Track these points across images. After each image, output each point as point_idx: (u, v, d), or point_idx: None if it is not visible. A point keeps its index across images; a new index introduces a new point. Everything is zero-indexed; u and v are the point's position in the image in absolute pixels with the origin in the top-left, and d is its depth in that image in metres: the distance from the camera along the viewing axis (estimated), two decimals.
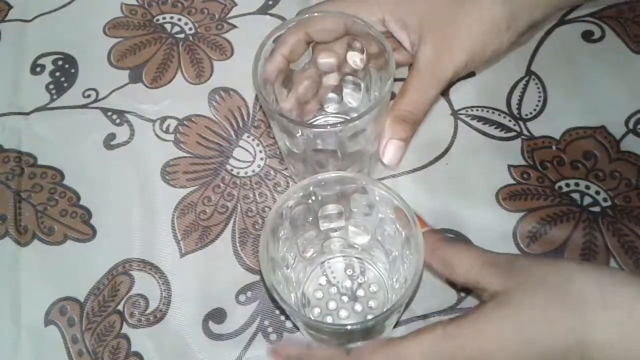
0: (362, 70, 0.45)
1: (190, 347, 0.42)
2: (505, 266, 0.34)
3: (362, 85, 0.46)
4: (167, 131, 0.50)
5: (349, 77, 0.46)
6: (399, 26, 0.42)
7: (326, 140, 0.41)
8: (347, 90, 0.47)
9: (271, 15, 0.55)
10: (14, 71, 0.53)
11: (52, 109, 0.51)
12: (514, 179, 0.46)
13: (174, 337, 0.42)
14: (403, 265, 0.39)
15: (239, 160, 0.48)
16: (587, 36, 0.52)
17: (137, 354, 0.42)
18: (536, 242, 0.44)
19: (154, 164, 0.48)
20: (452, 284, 0.42)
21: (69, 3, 0.57)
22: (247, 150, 0.49)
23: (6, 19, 0.56)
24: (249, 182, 0.47)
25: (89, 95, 0.52)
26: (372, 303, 0.42)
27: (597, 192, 0.45)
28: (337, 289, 0.43)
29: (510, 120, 0.49)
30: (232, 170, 0.48)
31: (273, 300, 0.42)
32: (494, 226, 0.44)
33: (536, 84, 0.50)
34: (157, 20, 0.55)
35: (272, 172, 0.48)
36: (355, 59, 0.45)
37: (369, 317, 0.41)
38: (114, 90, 0.52)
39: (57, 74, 0.53)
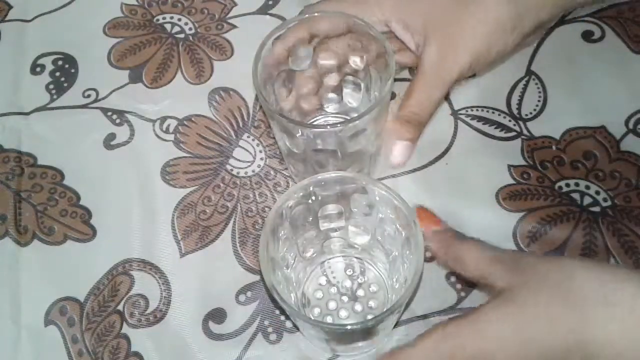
0: (362, 70, 0.45)
1: (190, 347, 0.42)
2: (511, 263, 0.34)
3: (362, 85, 0.46)
4: (167, 131, 0.50)
5: (349, 77, 0.46)
6: (401, 27, 0.42)
7: (326, 140, 0.41)
8: (347, 90, 0.47)
9: (271, 15, 0.55)
10: (14, 71, 0.53)
11: (52, 109, 0.51)
12: (514, 179, 0.46)
13: (174, 337, 0.42)
14: (403, 265, 0.39)
15: (239, 160, 0.48)
16: (587, 36, 0.52)
17: (137, 354, 0.42)
18: (536, 242, 0.44)
19: (154, 164, 0.48)
20: (464, 281, 0.42)
21: (69, 3, 0.57)
22: (247, 150, 0.49)
23: (6, 19, 0.56)
24: (249, 182, 0.47)
25: (89, 95, 0.52)
26: (372, 303, 0.42)
27: (597, 192, 0.45)
28: (337, 289, 0.43)
29: (510, 120, 0.49)
30: (232, 170, 0.48)
31: (273, 300, 0.42)
32: (494, 226, 0.44)
33: (536, 84, 0.50)
34: (157, 20, 0.55)
35: (272, 172, 0.48)
36: (355, 59, 0.45)
37: (369, 317, 0.41)
38: (114, 90, 0.52)
39: (57, 74, 0.53)
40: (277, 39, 0.42)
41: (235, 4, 0.56)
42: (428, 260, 0.43)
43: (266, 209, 0.46)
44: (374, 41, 0.42)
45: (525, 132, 0.48)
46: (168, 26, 0.55)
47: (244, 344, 0.42)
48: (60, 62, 0.54)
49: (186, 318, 0.43)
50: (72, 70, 0.53)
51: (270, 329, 0.42)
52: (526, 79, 0.51)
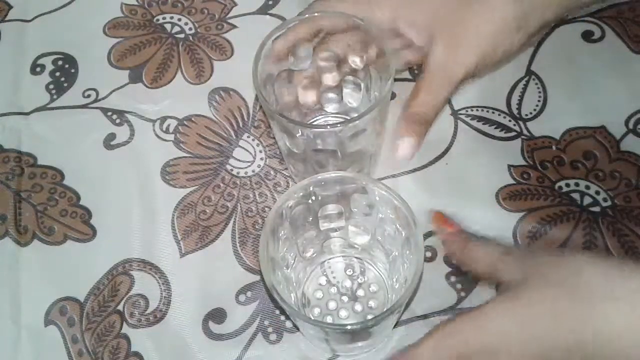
0: (362, 70, 0.45)
1: (190, 347, 0.42)
2: (520, 260, 0.34)
3: (362, 85, 0.46)
4: (167, 131, 0.50)
5: (349, 77, 0.46)
6: (407, 25, 0.42)
7: (326, 140, 0.41)
8: (347, 90, 0.47)
9: (271, 15, 0.55)
10: (14, 71, 0.53)
11: (52, 109, 0.51)
12: (514, 179, 0.46)
13: (174, 337, 0.42)
14: (403, 265, 0.39)
15: (239, 160, 0.48)
16: (587, 36, 0.52)
17: (137, 354, 0.42)
18: (536, 242, 0.44)
19: (154, 164, 0.48)
20: (479, 279, 0.42)
21: (69, 3, 0.57)
22: (247, 150, 0.49)
23: (6, 19, 0.56)
24: (249, 182, 0.47)
25: (89, 95, 0.52)
26: (372, 303, 0.42)
27: (597, 192, 0.45)
28: (337, 289, 0.43)
29: (510, 120, 0.49)
30: (232, 170, 0.48)
31: (273, 300, 0.42)
32: (494, 226, 0.44)
33: (536, 84, 0.50)
34: (157, 20, 0.55)
35: (272, 172, 0.48)
36: (355, 59, 0.45)
37: (369, 317, 0.41)
38: (114, 90, 0.52)
39: (57, 74, 0.53)
40: (279, 37, 0.42)
41: (235, 4, 0.56)
42: (428, 260, 0.43)
43: (266, 209, 0.46)
44: (374, 41, 0.42)
45: (525, 132, 0.48)
46: (168, 26, 0.55)
47: (244, 344, 0.42)
48: (60, 62, 0.54)
49: (186, 318, 0.43)
50: (72, 70, 0.53)
51: (270, 329, 0.42)
52: (526, 79, 0.51)
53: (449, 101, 0.50)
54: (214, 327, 0.42)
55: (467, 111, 0.49)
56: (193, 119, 0.50)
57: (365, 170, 0.46)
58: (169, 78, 0.52)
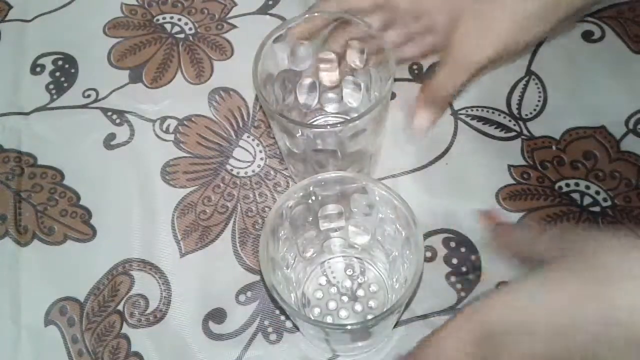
0: (362, 70, 0.45)
1: (190, 347, 0.42)
2: (552, 239, 0.34)
3: (362, 85, 0.46)
4: (167, 131, 0.50)
5: (349, 77, 0.46)
6: (430, 8, 0.43)
7: (326, 140, 0.41)
8: (347, 90, 0.47)
9: (271, 15, 0.55)
10: (14, 71, 0.53)
11: (52, 109, 0.51)
12: (514, 179, 0.46)
13: (174, 337, 0.42)
14: (403, 265, 0.39)
15: (239, 160, 0.48)
16: (587, 36, 0.52)
17: (137, 354, 0.42)
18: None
19: (154, 164, 0.48)
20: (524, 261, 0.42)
21: (69, 3, 0.57)
22: (247, 150, 0.49)
23: (6, 19, 0.56)
24: (249, 182, 0.47)
25: (89, 95, 0.52)
26: (372, 303, 0.42)
27: (597, 192, 0.45)
28: (337, 289, 0.43)
29: (510, 120, 0.49)
30: (232, 170, 0.48)
31: (273, 300, 0.42)
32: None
33: (536, 84, 0.50)
34: (157, 20, 0.55)
35: (272, 172, 0.48)
36: (355, 58, 0.45)
37: (369, 317, 0.41)
38: (114, 90, 0.52)
39: (57, 74, 0.53)
40: (299, 24, 0.42)
41: (235, 4, 0.56)
42: (428, 260, 0.43)
43: (266, 209, 0.46)
44: (374, 41, 0.42)
45: (525, 132, 0.48)
46: (168, 26, 0.55)
47: (244, 344, 0.42)
48: (60, 62, 0.54)
49: (186, 318, 0.43)
50: (72, 70, 0.53)
51: (270, 329, 0.42)
52: (526, 79, 0.51)
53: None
54: (214, 327, 0.42)
55: (467, 111, 0.49)
56: (193, 119, 0.50)
57: (365, 170, 0.46)
58: (169, 78, 0.52)
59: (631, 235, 0.36)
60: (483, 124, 0.49)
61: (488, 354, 0.31)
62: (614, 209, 0.45)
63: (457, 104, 0.50)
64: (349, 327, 0.34)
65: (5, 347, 0.42)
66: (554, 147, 0.47)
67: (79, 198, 0.47)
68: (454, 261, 0.43)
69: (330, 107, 0.48)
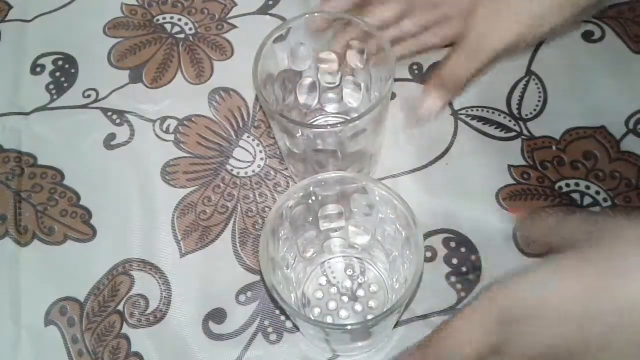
0: (362, 70, 0.45)
1: (190, 347, 0.42)
2: (580, 226, 0.34)
3: (362, 85, 0.46)
4: (167, 131, 0.50)
5: (349, 77, 0.46)
6: None
7: (326, 140, 0.41)
8: (347, 90, 0.47)
9: (271, 15, 0.55)
10: (14, 71, 0.53)
11: (52, 109, 0.51)
12: (514, 179, 0.46)
13: (174, 337, 0.42)
14: (403, 265, 0.39)
15: (239, 160, 0.48)
16: (587, 36, 0.52)
17: (137, 354, 0.42)
18: (536, 242, 0.44)
19: (154, 164, 0.48)
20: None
21: (69, 3, 0.57)
22: (247, 150, 0.49)
23: (6, 19, 0.56)
24: (249, 182, 0.47)
25: (89, 95, 0.52)
26: (372, 303, 0.42)
27: (597, 192, 0.45)
28: (337, 289, 0.43)
29: (510, 120, 0.49)
30: (232, 170, 0.48)
31: (273, 300, 0.42)
32: (494, 226, 0.44)
33: (536, 84, 0.50)
34: (157, 20, 0.55)
35: (272, 172, 0.48)
36: (355, 59, 0.45)
37: (369, 317, 0.41)
38: (114, 90, 0.52)
39: (57, 74, 0.53)
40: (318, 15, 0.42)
41: (235, 4, 0.56)
42: (428, 260, 0.43)
43: (266, 209, 0.46)
44: (374, 41, 0.42)
45: (525, 132, 0.48)
46: (168, 26, 0.55)
47: (244, 344, 0.42)
48: (60, 62, 0.54)
49: (186, 318, 0.43)
50: (72, 70, 0.53)
51: (270, 329, 0.42)
52: (526, 79, 0.51)
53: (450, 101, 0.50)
54: (214, 327, 0.42)
55: (467, 111, 0.49)
56: (193, 119, 0.50)
57: (365, 170, 0.46)
58: (169, 78, 0.52)
59: None
60: (483, 124, 0.49)
61: (502, 340, 0.31)
62: (614, 209, 0.45)
63: (457, 104, 0.50)
64: (349, 327, 0.34)
65: (5, 347, 0.42)
66: (554, 147, 0.47)
67: (79, 198, 0.47)
68: (454, 261, 0.43)
69: (330, 107, 0.48)
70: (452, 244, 0.44)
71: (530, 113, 0.49)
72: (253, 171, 0.48)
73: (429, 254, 0.44)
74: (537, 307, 0.31)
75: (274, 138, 0.48)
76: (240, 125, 0.50)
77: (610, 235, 0.31)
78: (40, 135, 0.50)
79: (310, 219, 0.40)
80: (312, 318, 0.41)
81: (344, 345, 0.41)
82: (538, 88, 0.50)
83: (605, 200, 0.45)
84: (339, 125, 0.40)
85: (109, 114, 0.51)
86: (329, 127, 0.42)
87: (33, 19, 0.56)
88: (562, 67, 0.51)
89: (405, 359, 0.34)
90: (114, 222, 0.46)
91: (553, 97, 0.50)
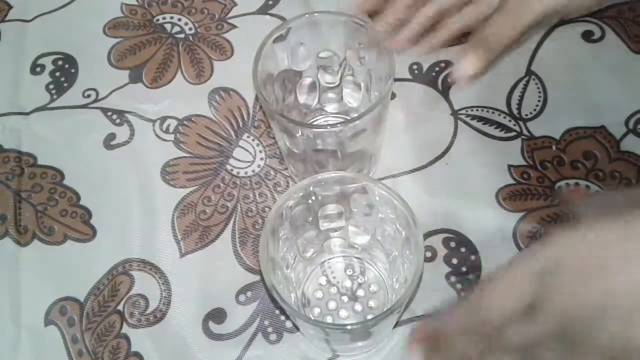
0: (362, 70, 0.45)
1: (190, 347, 0.42)
2: (604, 204, 0.34)
3: (362, 85, 0.46)
4: (167, 131, 0.50)
5: (349, 77, 0.46)
6: None
7: (326, 140, 0.41)
8: (347, 90, 0.47)
9: (271, 15, 0.55)
10: (14, 71, 0.53)
11: (52, 109, 0.51)
12: (514, 179, 0.46)
13: (174, 337, 0.42)
14: (403, 265, 0.39)
15: (239, 160, 0.48)
16: (587, 36, 0.52)
17: (137, 354, 0.42)
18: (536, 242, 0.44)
19: (154, 164, 0.48)
20: None
21: (69, 3, 0.57)
22: (247, 150, 0.49)
23: (6, 19, 0.56)
24: (249, 182, 0.47)
25: (89, 95, 0.52)
26: (372, 303, 0.42)
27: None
28: (337, 289, 0.43)
29: (510, 120, 0.49)
30: (232, 170, 0.48)
31: (273, 300, 0.42)
32: (494, 226, 0.44)
33: (536, 84, 0.50)
34: (157, 20, 0.55)
35: (272, 172, 0.48)
36: (355, 59, 0.45)
37: (369, 317, 0.41)
38: (114, 90, 0.52)
39: (57, 74, 0.53)
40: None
41: (235, 4, 0.56)
42: (428, 260, 0.43)
43: (266, 209, 0.46)
44: (374, 40, 0.42)
45: (525, 132, 0.48)
46: (168, 26, 0.55)
47: (244, 344, 0.42)
48: (60, 62, 0.54)
49: (186, 318, 0.43)
50: (72, 70, 0.53)
51: (270, 329, 0.42)
52: (526, 79, 0.51)
53: (449, 101, 0.50)
54: (214, 327, 0.42)
55: (467, 111, 0.49)
56: (193, 119, 0.50)
57: (365, 170, 0.46)
58: (169, 78, 0.52)
59: None
60: (483, 124, 0.49)
61: (543, 292, 0.30)
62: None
63: (457, 104, 0.50)
64: (349, 327, 0.34)
65: (5, 347, 0.42)
66: (554, 147, 0.47)
67: (79, 198, 0.47)
68: (454, 261, 0.43)
69: (330, 107, 0.48)
70: (452, 244, 0.44)
71: (530, 113, 0.49)
72: (253, 171, 0.48)
73: (429, 254, 0.44)
74: (580, 264, 0.29)
75: (274, 138, 0.48)
76: (240, 125, 0.50)
77: (625, 223, 0.29)
78: (40, 135, 0.50)
79: (310, 219, 0.40)
80: (312, 318, 0.41)
81: (344, 345, 0.41)
82: (538, 88, 0.50)
83: None
84: (339, 125, 0.40)
85: (109, 114, 0.51)
86: (329, 127, 0.42)
87: (33, 19, 0.56)
88: (562, 67, 0.51)
89: (448, 316, 0.34)
90: (114, 222, 0.46)
91: (553, 97, 0.50)
